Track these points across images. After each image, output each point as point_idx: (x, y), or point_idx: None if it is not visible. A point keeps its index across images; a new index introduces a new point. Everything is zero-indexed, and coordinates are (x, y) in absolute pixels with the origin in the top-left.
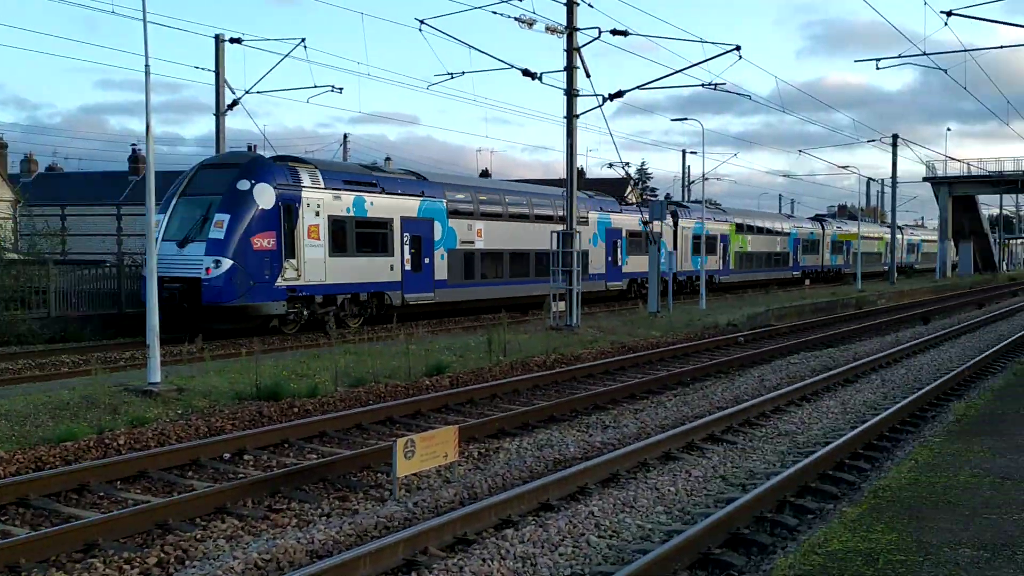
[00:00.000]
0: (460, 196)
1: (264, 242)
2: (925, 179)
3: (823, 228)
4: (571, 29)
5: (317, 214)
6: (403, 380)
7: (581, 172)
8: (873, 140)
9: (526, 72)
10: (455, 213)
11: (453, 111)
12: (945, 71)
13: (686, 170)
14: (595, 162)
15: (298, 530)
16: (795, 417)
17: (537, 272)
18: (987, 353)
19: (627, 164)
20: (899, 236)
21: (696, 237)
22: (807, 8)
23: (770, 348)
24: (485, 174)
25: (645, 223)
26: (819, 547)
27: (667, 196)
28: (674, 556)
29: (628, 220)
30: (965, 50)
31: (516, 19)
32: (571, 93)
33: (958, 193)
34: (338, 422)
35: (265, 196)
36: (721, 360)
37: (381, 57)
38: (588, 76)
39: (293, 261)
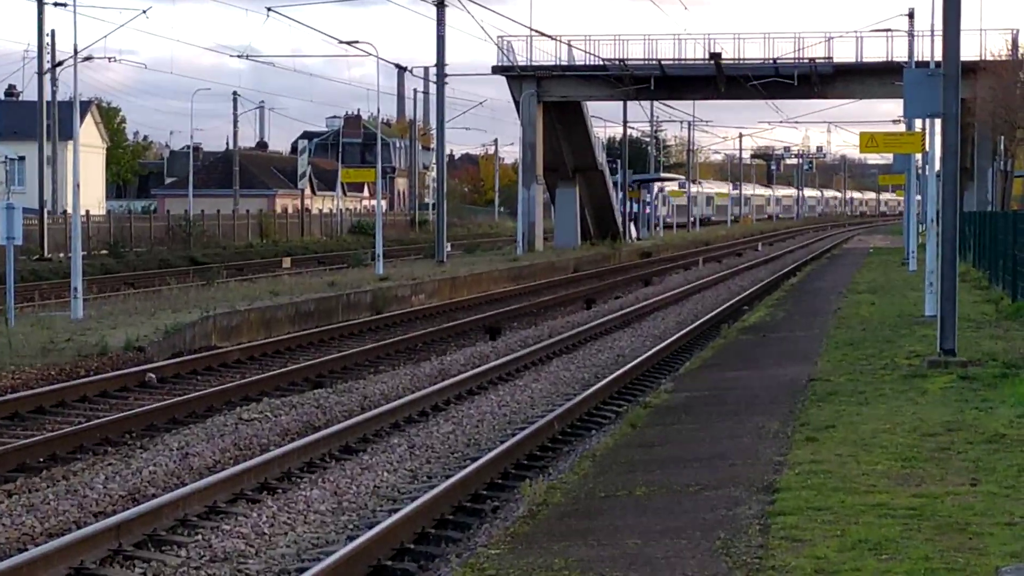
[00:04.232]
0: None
1: None
2: (497, 70)
3: None
4: None
5: None
6: None
7: None
8: None
9: None
10: None
11: None
12: None
13: None
14: None
15: None
16: (246, 527)
17: None
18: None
19: None
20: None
21: None
22: None
23: (205, 392)
24: None
25: None
26: None
27: None
28: None
29: None
30: None
31: None
32: None
33: (554, 97)
34: None
35: None
36: (103, 421)
37: None
38: None
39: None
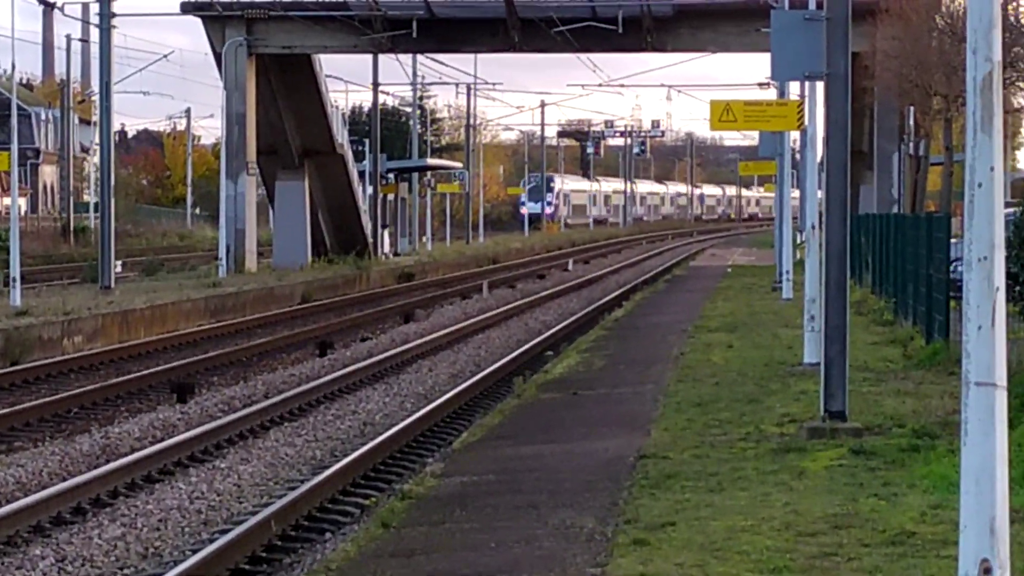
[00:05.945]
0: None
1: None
2: (188, 7)
3: None
4: None
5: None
6: None
7: None
8: None
9: None
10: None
11: None
12: None
13: None
14: None
15: None
16: None
17: None
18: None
19: None
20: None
21: None
22: None
23: None
24: None
25: None
26: None
27: None
28: None
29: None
30: None
31: None
32: None
33: (273, 47)
34: None
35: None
36: None
37: None
38: None
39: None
